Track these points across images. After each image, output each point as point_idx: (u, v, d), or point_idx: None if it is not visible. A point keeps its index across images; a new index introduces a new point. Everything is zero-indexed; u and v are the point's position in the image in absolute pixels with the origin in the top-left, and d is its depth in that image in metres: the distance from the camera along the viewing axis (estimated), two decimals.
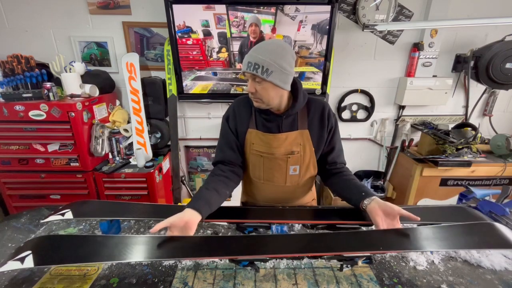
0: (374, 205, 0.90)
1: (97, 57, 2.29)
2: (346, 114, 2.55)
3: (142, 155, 2.15)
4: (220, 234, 1.03)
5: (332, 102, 2.50)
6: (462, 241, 0.80)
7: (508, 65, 2.10)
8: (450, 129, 2.29)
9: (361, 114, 2.56)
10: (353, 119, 2.56)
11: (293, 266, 0.88)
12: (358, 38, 2.29)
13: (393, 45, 2.32)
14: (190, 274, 0.84)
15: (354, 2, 2.16)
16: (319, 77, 2.25)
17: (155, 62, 2.34)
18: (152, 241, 0.80)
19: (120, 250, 0.76)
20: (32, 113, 1.85)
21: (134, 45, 2.27)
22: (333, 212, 1.09)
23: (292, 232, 1.03)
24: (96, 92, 2.11)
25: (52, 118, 1.87)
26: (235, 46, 2.15)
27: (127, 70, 2.18)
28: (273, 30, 2.09)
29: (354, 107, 2.53)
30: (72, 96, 2.04)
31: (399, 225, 0.87)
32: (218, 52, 2.17)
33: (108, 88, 2.26)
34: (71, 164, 2.02)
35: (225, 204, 1.03)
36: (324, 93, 2.29)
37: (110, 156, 2.21)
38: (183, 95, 2.30)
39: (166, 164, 2.41)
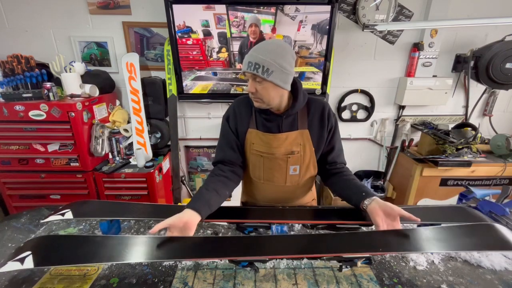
0: (375, 205, 0.89)
1: (97, 57, 2.29)
2: (346, 114, 2.55)
3: (142, 155, 2.15)
4: (220, 234, 1.03)
5: (332, 102, 2.50)
6: (462, 242, 0.80)
7: (508, 65, 2.10)
8: (450, 129, 2.29)
9: (361, 114, 2.56)
10: (353, 119, 2.56)
11: (293, 266, 0.88)
12: (358, 38, 2.29)
13: (393, 45, 2.33)
14: (190, 274, 0.84)
15: (354, 2, 2.16)
16: (319, 77, 2.25)
17: (155, 62, 2.34)
18: (152, 241, 0.80)
19: (119, 251, 0.76)
20: (32, 113, 1.85)
21: (134, 45, 2.27)
22: (333, 212, 1.09)
23: (292, 232, 1.03)
24: (96, 92, 2.11)
25: (52, 118, 1.87)
26: (235, 46, 2.15)
27: (127, 70, 2.18)
28: (273, 30, 2.09)
29: (354, 107, 2.53)
30: (72, 96, 2.04)
31: (399, 225, 0.87)
32: (218, 52, 2.17)
33: (108, 88, 2.26)
34: (71, 164, 2.02)
35: (225, 204, 1.03)
36: (324, 93, 2.29)
37: (110, 156, 2.21)
38: (183, 95, 2.30)
39: (166, 164, 2.41)
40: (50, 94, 1.87)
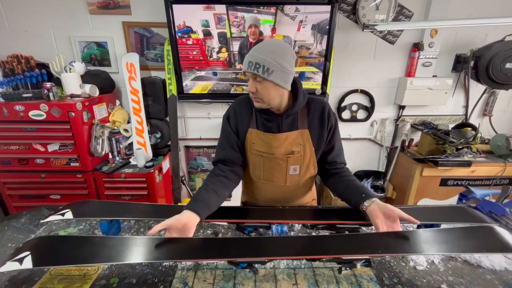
0: (374, 207, 0.89)
1: (97, 57, 2.29)
2: (346, 114, 2.55)
3: (142, 155, 2.15)
4: (220, 234, 1.03)
5: (332, 102, 2.50)
6: (462, 244, 0.80)
7: (508, 65, 2.10)
8: (450, 129, 2.29)
9: (361, 114, 2.56)
10: (353, 119, 2.56)
11: (293, 266, 0.88)
12: (358, 38, 2.29)
13: (393, 45, 2.33)
14: (190, 274, 0.84)
15: (354, 2, 2.16)
16: (319, 77, 2.25)
17: (155, 62, 2.34)
18: (151, 242, 0.80)
19: (119, 252, 0.76)
20: (32, 113, 1.85)
21: (134, 45, 2.27)
22: (333, 212, 1.09)
23: (292, 232, 1.03)
24: (96, 92, 2.11)
25: (52, 118, 1.87)
26: (235, 46, 2.15)
27: (127, 70, 2.18)
28: (273, 30, 2.09)
29: (354, 107, 2.53)
30: (72, 96, 2.04)
31: (399, 227, 0.86)
32: (218, 52, 2.17)
33: (108, 88, 2.26)
34: (71, 164, 2.02)
35: (225, 204, 1.03)
36: (324, 93, 2.29)
37: (110, 156, 2.21)
38: (183, 95, 2.30)
39: (166, 164, 2.41)
40: (50, 94, 1.87)
